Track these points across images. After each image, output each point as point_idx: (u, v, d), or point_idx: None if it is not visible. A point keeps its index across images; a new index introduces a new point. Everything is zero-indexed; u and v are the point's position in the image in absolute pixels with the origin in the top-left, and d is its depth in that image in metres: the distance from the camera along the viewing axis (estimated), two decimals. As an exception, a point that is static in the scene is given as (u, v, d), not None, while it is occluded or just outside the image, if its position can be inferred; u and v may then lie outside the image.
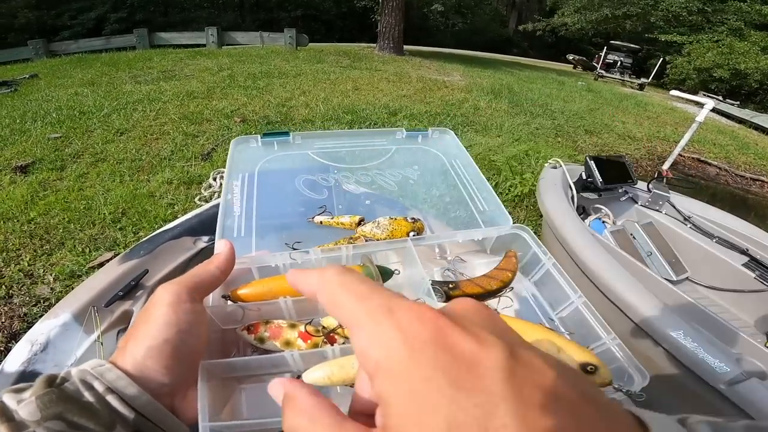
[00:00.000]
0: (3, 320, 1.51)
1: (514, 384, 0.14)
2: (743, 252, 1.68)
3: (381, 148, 0.70)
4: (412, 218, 0.56)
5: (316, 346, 0.42)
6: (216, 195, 2.02)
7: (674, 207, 1.98)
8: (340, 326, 0.43)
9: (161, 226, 1.03)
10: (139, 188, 2.34)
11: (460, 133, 3.75)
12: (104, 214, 2.08)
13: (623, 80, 11.07)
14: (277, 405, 0.39)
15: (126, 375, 0.29)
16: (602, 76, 11.13)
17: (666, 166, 2.04)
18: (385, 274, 0.48)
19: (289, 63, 6.10)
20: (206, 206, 1.04)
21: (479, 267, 0.60)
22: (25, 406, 0.25)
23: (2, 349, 1.39)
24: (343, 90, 4.86)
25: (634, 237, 1.90)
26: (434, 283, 0.51)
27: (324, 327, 0.44)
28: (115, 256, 1.87)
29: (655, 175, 2.05)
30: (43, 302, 1.61)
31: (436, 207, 0.65)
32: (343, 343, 0.43)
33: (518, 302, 0.58)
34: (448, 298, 0.51)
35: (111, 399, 0.28)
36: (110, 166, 2.59)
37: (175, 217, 2.23)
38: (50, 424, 0.25)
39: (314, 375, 0.37)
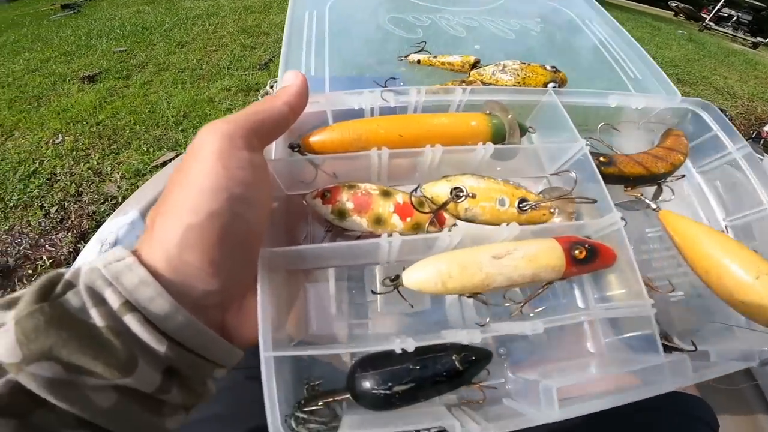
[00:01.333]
0: (73, 219, 1.55)
1: None
2: None
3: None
4: (552, 66, 0.39)
5: (417, 226, 0.29)
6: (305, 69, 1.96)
7: (764, 172, 1.68)
8: (454, 198, 0.29)
9: None
10: (200, 94, 2.36)
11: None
12: (167, 117, 2.12)
13: (734, 36, 9.47)
14: (355, 316, 0.30)
15: (153, 277, 0.18)
16: (709, 29, 9.55)
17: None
18: (519, 127, 0.33)
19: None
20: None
21: (629, 144, 0.44)
22: (2, 336, 0.16)
23: (72, 250, 1.43)
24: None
25: None
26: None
27: (430, 198, 0.30)
28: (177, 155, 1.89)
29: (753, 135, 1.76)
30: (111, 200, 1.64)
31: (569, 69, 0.47)
32: (454, 224, 0.30)
33: (679, 196, 0.42)
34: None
35: (129, 320, 0.17)
36: (172, 74, 2.62)
37: None
38: (36, 369, 0.15)
39: (420, 276, 0.25)
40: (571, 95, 0.37)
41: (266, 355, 0.22)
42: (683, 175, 0.39)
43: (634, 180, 0.36)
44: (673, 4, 11.61)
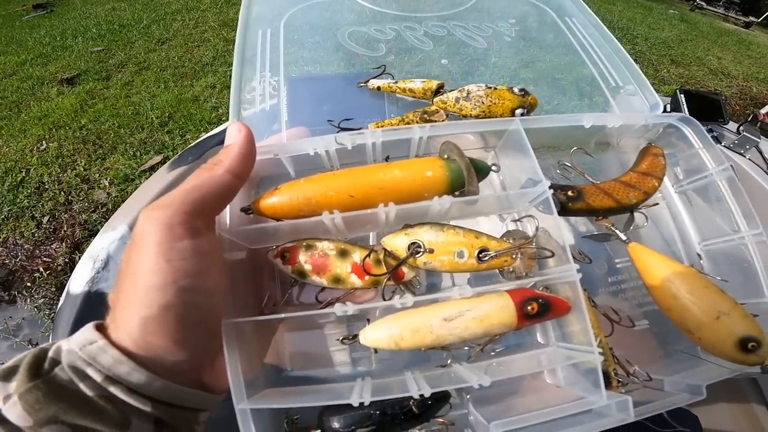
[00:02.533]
0: (65, 229, 1.54)
1: None
2: None
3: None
4: (521, 89, 0.36)
5: (376, 282, 0.29)
6: (260, 98, 1.91)
7: (761, 153, 1.68)
8: (411, 254, 0.29)
9: (207, 128, 0.94)
10: (184, 93, 2.32)
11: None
12: (152, 118, 2.08)
13: (727, 15, 9.28)
14: (325, 355, 0.34)
15: (126, 357, 0.20)
16: (700, 8, 9.35)
17: (765, 110, 1.70)
18: (479, 171, 0.31)
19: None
20: (251, 109, 0.93)
21: (606, 164, 0.42)
22: (11, 407, 0.19)
23: (68, 260, 1.42)
24: None
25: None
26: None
27: (387, 252, 0.29)
28: (164, 159, 1.88)
29: (749, 118, 1.73)
30: (101, 208, 1.63)
31: (543, 77, 0.45)
32: (414, 276, 0.29)
33: (654, 217, 0.41)
34: (563, 209, 0.34)
35: (115, 391, 0.20)
36: (154, 73, 2.56)
37: (220, 120, 2.19)
38: (47, 431, 0.18)
39: (375, 336, 0.26)
40: (542, 121, 0.35)
41: (240, 408, 0.25)
42: (657, 204, 0.38)
43: (605, 211, 0.35)
44: (665, -17, 11.35)
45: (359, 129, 0.33)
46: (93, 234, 1.60)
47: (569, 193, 0.33)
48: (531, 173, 0.31)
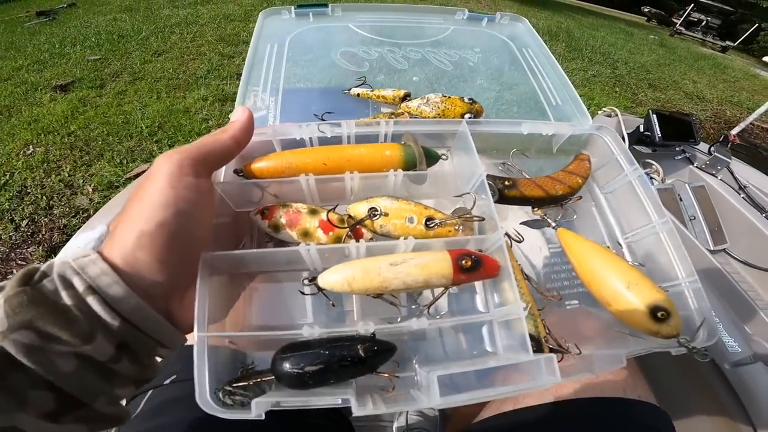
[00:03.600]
0: (44, 233, 1.55)
1: None
2: None
3: (436, 27, 0.58)
4: (470, 99, 0.45)
5: (338, 239, 0.34)
6: (262, 95, 1.96)
7: (732, 174, 1.79)
8: (369, 217, 0.35)
9: (196, 139, 0.98)
10: (175, 104, 2.35)
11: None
12: (141, 127, 2.10)
13: (704, 40, 9.87)
14: (289, 313, 0.35)
15: (112, 269, 0.23)
16: (680, 33, 9.94)
17: (735, 131, 1.82)
18: (430, 156, 0.38)
19: (331, -9, 5.75)
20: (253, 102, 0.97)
21: (542, 167, 0.49)
22: None
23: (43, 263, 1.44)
24: None
25: (681, 198, 1.74)
26: (487, 177, 0.41)
27: (350, 216, 0.36)
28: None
29: (720, 138, 1.84)
30: (82, 213, 1.64)
31: (496, 94, 0.53)
32: (371, 239, 0.35)
33: (583, 216, 0.48)
34: (501, 197, 0.41)
35: (91, 301, 0.22)
36: (148, 84, 2.59)
37: (210, 132, 2.27)
38: (17, 336, 0.20)
39: (332, 278, 0.30)
40: (488, 125, 0.43)
41: (199, 335, 0.27)
42: (580, 197, 0.44)
43: (535, 201, 0.42)
44: (646, 9, 12.03)
45: (337, 122, 0.39)
46: (71, 238, 1.59)
47: (506, 182, 0.40)
48: (474, 165, 0.38)
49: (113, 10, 4.41)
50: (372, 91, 0.48)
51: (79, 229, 0.73)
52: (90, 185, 1.75)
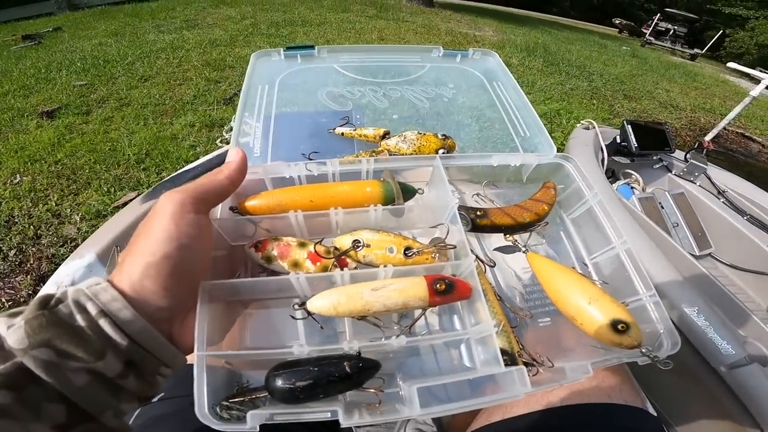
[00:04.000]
0: (32, 262, 1.54)
1: None
2: None
3: (414, 65, 0.63)
4: (443, 135, 0.49)
5: (325, 269, 0.38)
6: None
7: (709, 179, 1.85)
8: (353, 248, 0.39)
9: (183, 166, 1.01)
10: (162, 131, 2.36)
11: (490, 91, 3.59)
12: (128, 155, 2.10)
13: (674, 49, 10.28)
14: (282, 334, 0.37)
15: (122, 296, 0.26)
16: (650, 43, 10.35)
17: (709, 137, 1.90)
18: (407, 191, 0.42)
19: (313, 12, 5.87)
20: (227, 147, 1.00)
21: (513, 197, 0.54)
22: (14, 332, 0.23)
23: (31, 292, 1.42)
24: (368, 40, 4.67)
25: (662, 206, 1.80)
26: (460, 208, 0.46)
27: (336, 248, 0.40)
28: (138, 195, 1.90)
29: (695, 146, 1.91)
30: (70, 242, 1.64)
31: (470, 127, 0.58)
32: (355, 268, 0.39)
33: (551, 240, 0.52)
34: (474, 226, 0.45)
35: (103, 323, 0.25)
36: (134, 110, 2.60)
37: (197, 158, 2.27)
38: (37, 353, 0.22)
39: (319, 303, 0.34)
40: (460, 159, 0.48)
41: (198, 354, 0.30)
42: (547, 223, 0.49)
43: (506, 228, 0.46)
44: (617, 21, 12.50)
45: (323, 161, 0.44)
46: (59, 267, 1.57)
47: (477, 212, 0.45)
48: (447, 197, 0.42)
49: (99, 34, 4.43)
50: (355, 130, 0.52)
51: (67, 257, 0.75)
52: (77, 214, 1.75)
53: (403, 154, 0.48)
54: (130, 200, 1.81)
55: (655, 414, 0.47)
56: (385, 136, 0.51)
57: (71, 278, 0.67)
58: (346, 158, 0.46)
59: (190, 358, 0.31)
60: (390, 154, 0.48)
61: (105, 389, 0.25)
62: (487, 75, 0.65)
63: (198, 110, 2.61)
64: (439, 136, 0.49)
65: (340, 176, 0.45)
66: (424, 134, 0.49)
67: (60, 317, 0.24)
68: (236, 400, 0.33)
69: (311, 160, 0.45)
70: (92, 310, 0.25)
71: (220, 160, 0.94)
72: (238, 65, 3.40)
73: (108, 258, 0.72)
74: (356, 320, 0.37)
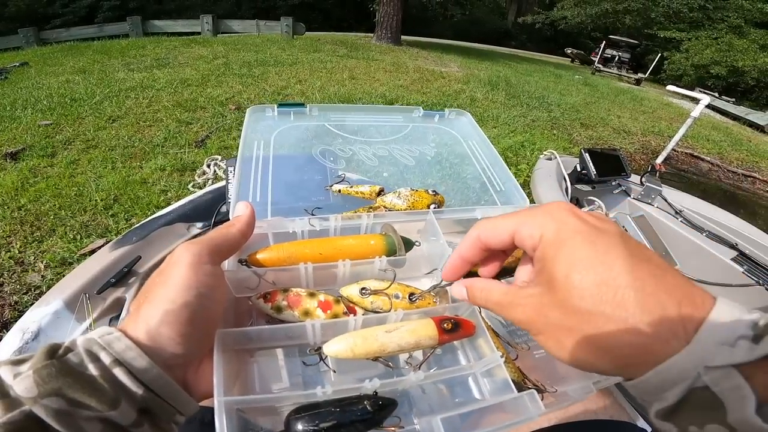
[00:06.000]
0: None
1: (626, 244, 0.24)
2: (732, 246, 1.68)
3: (398, 125, 0.69)
4: (433, 191, 0.54)
5: (336, 316, 0.40)
6: (210, 182, 1.97)
7: (666, 200, 1.99)
8: (363, 293, 0.41)
9: (154, 212, 1.01)
10: (132, 175, 2.30)
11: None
12: (96, 200, 2.03)
13: (620, 75, 11.13)
14: (289, 380, 0.38)
15: (136, 344, 0.26)
16: (599, 71, 11.18)
17: (659, 159, 2.06)
18: (408, 244, 0.46)
19: (285, 51, 6.01)
20: (200, 192, 1.01)
21: None
22: (21, 380, 0.23)
23: None
24: (339, 79, 4.81)
25: (625, 229, 1.90)
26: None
27: (344, 296, 0.42)
28: (107, 243, 1.83)
29: (649, 169, 2.06)
30: (34, 290, 1.57)
31: (453, 184, 0.63)
32: (365, 314, 0.41)
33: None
34: (468, 273, 0.49)
35: (118, 372, 0.25)
36: (102, 152, 2.53)
37: (169, 204, 2.21)
38: (47, 402, 0.22)
39: (336, 347, 0.36)
40: (449, 213, 0.53)
41: (219, 399, 0.30)
42: None
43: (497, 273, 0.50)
44: (569, 51, 13.50)
45: (326, 216, 0.47)
46: (23, 314, 1.48)
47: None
48: (441, 247, 0.46)
49: (66, 71, 4.35)
50: (351, 187, 0.56)
51: (32, 305, 0.72)
52: (42, 262, 1.68)
53: (398, 210, 0.53)
54: (98, 248, 1.75)
55: (647, 428, 0.50)
56: (381, 192, 0.55)
57: (38, 324, 0.66)
58: (347, 214, 0.49)
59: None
60: (386, 210, 0.52)
61: None
62: (462, 133, 0.72)
63: (169, 153, 2.56)
64: (430, 192, 0.54)
65: (341, 230, 0.48)
66: (417, 191, 0.54)
67: (70, 366, 0.24)
68: None
69: (313, 215, 0.48)
70: (106, 359, 0.25)
71: (194, 205, 0.94)
72: (210, 106, 3.38)
73: (76, 305, 0.71)
74: (365, 364, 0.39)
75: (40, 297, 0.71)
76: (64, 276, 1.63)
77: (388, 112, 0.71)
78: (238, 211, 0.39)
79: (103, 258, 0.78)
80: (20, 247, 1.73)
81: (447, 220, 0.51)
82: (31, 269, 1.66)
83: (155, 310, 0.28)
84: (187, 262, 0.30)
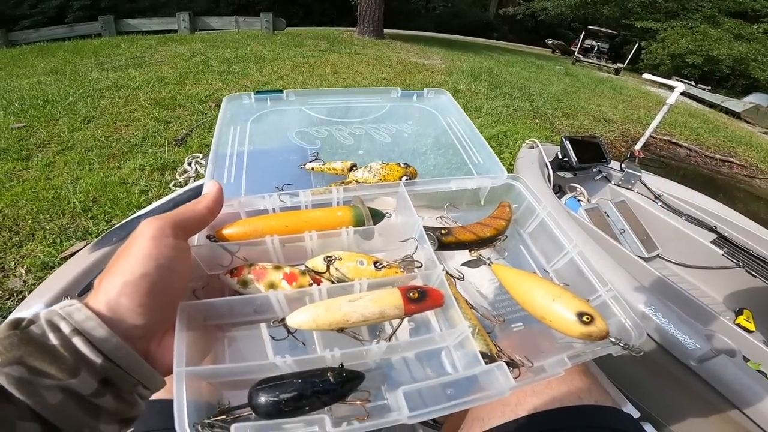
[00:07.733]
0: None
1: None
2: (711, 229, 1.70)
3: (376, 105, 0.70)
4: (405, 163, 0.54)
5: (301, 287, 0.40)
6: (192, 180, 1.94)
7: (645, 185, 2.03)
8: (327, 270, 0.41)
9: (134, 212, 0.99)
10: (110, 176, 2.25)
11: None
12: (74, 203, 1.99)
13: (600, 65, 11.31)
14: (261, 355, 0.37)
15: (96, 315, 0.26)
16: (579, 61, 11.34)
17: (638, 146, 2.10)
18: (377, 216, 0.46)
19: (265, 47, 5.92)
20: (181, 190, 1.00)
21: (472, 219, 0.59)
22: None
23: None
24: (321, 74, 4.76)
25: (607, 215, 1.94)
26: (427, 228, 0.49)
27: (309, 267, 0.42)
28: (87, 245, 1.78)
29: (628, 155, 2.11)
30: (16, 295, 1.54)
31: (429, 158, 0.63)
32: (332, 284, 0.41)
33: (513, 254, 0.56)
34: (440, 244, 0.50)
35: (77, 341, 0.25)
36: (78, 154, 2.47)
37: (150, 204, 2.17)
38: (9, 370, 0.23)
39: (299, 318, 0.36)
40: (422, 184, 0.52)
41: (178, 370, 0.30)
42: (506, 237, 0.53)
43: (470, 244, 0.50)
44: (549, 42, 13.63)
45: (296, 192, 0.47)
46: (5, 320, 1.43)
47: (442, 231, 0.49)
48: (413, 218, 0.46)
49: (37, 72, 4.22)
50: (324, 164, 0.56)
51: (14, 310, 0.71)
52: (22, 267, 1.64)
53: (369, 183, 0.52)
54: (78, 250, 1.71)
55: (636, 413, 0.49)
56: (353, 168, 0.55)
57: (20, 328, 0.64)
58: (317, 189, 0.49)
59: (167, 392, 0.31)
60: (357, 184, 0.52)
61: (80, 408, 0.25)
62: (441, 111, 0.72)
63: (148, 153, 2.52)
64: (402, 165, 0.54)
65: (312, 206, 0.48)
66: (388, 164, 0.54)
67: (32, 336, 0.24)
68: (218, 418, 0.32)
69: (283, 192, 0.48)
70: (65, 328, 0.25)
71: (175, 204, 0.93)
72: (189, 104, 3.32)
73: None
74: (336, 337, 0.38)
75: (23, 300, 0.69)
76: (46, 279, 1.61)
77: (366, 94, 0.71)
78: (206, 188, 0.39)
79: (84, 260, 0.77)
80: (0, 252, 1.69)
81: (420, 193, 0.51)
82: (12, 274, 1.62)
83: (115, 281, 0.28)
84: (148, 235, 0.30)
